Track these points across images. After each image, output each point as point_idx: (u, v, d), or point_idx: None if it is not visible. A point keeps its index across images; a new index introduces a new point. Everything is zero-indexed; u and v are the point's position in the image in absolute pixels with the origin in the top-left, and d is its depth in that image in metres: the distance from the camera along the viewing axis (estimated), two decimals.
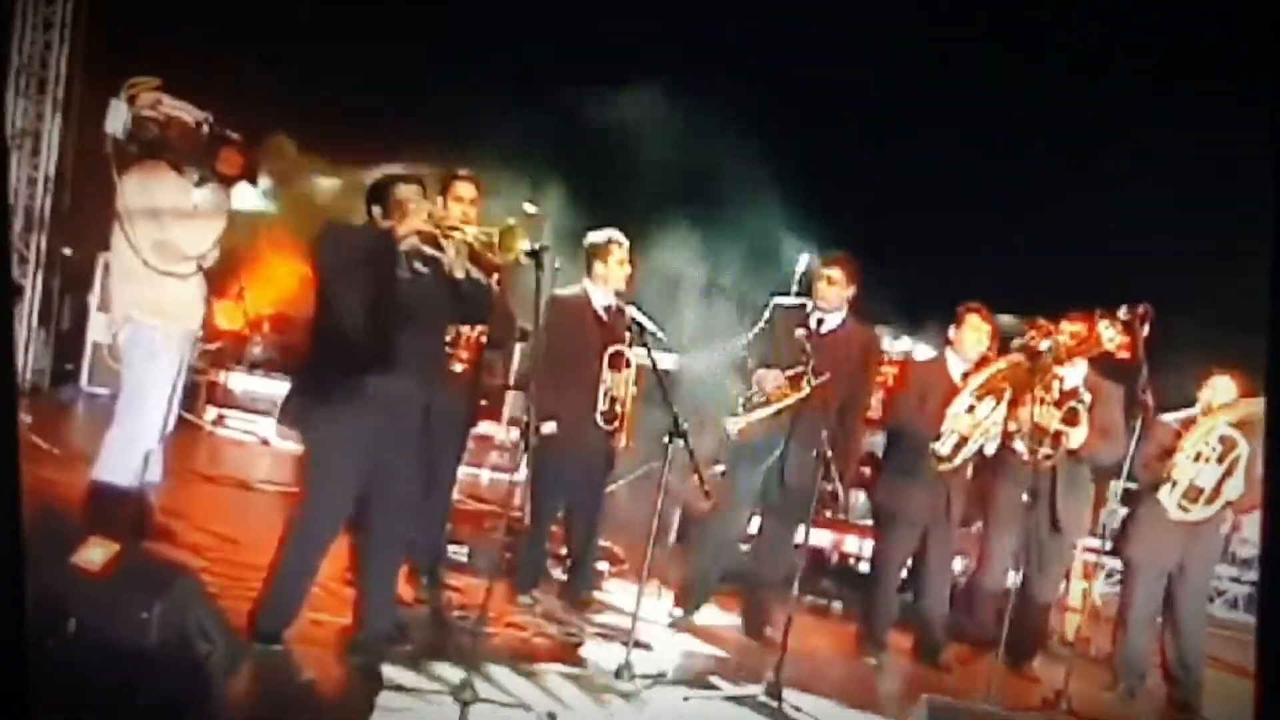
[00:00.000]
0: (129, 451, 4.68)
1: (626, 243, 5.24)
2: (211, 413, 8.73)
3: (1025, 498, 5.53)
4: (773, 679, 4.39)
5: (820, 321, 5.42)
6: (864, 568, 6.99)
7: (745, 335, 5.86)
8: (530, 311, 3.86)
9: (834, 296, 5.36)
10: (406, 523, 4.10)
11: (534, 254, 3.63)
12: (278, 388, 9.12)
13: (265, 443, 8.63)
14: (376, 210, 3.98)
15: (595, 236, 5.27)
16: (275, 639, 3.83)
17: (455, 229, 3.83)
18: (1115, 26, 8.06)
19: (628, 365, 5.24)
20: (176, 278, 4.79)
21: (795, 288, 6.68)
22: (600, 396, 5.18)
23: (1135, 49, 7.93)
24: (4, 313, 2.20)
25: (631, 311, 4.77)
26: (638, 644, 4.52)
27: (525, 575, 5.25)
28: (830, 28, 8.66)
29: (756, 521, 5.72)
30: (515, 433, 9.44)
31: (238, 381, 9.05)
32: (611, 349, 5.19)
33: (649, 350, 4.65)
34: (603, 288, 5.26)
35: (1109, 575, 7.00)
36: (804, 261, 7.57)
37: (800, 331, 5.04)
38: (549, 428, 5.05)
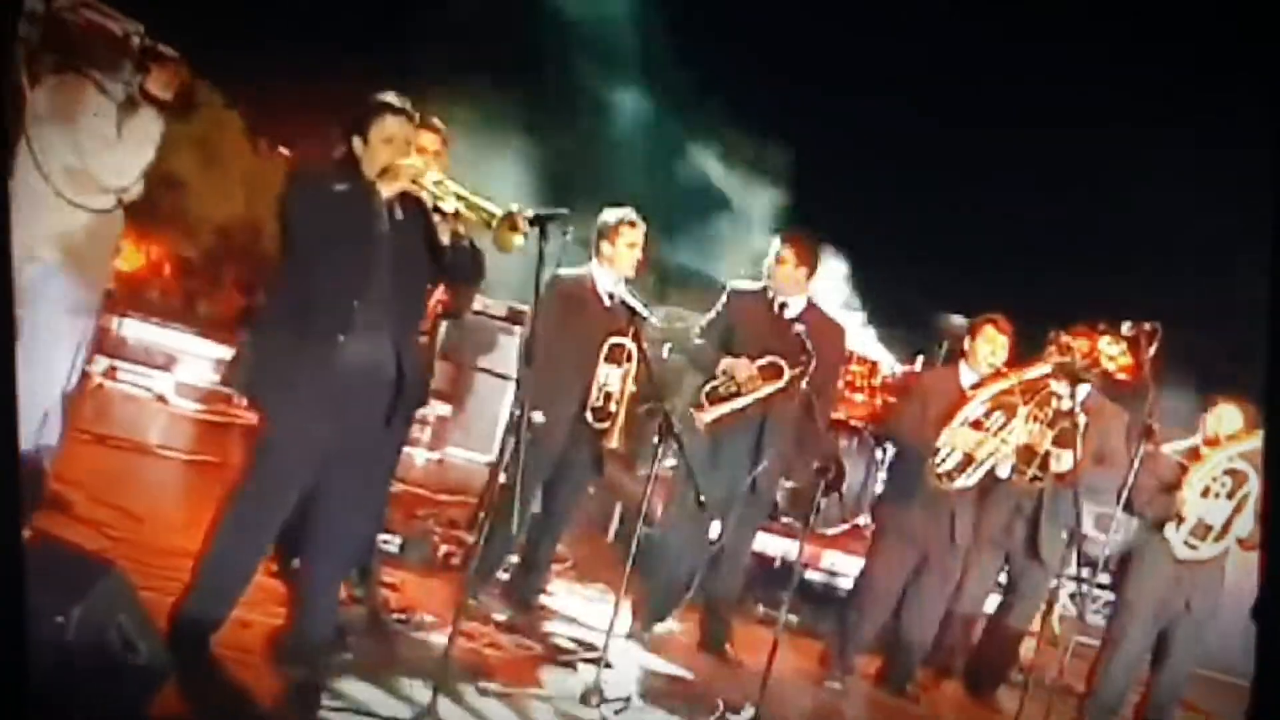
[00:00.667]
0: (27, 409, 4.18)
1: (641, 224, 4.90)
2: (101, 363, 8.10)
3: (1006, 521, 5.47)
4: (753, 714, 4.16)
5: (784, 306, 5.20)
6: (814, 578, 6.87)
7: (699, 321, 5.61)
8: (527, 287, 3.55)
9: (786, 277, 5.15)
10: (365, 513, 3.78)
11: (539, 221, 3.29)
12: (176, 339, 8.57)
13: (161, 400, 8.06)
14: (357, 142, 3.59)
15: (607, 215, 4.91)
16: (201, 643, 3.45)
17: (446, 199, 3.47)
18: (1122, 34, 8.05)
19: (628, 359, 4.89)
20: (92, 212, 4.31)
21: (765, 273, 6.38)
22: (594, 391, 4.84)
23: (1143, 57, 7.93)
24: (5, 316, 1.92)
25: (620, 293, 4.42)
26: (601, 663, 4.25)
27: (481, 576, 4.93)
28: (837, 25, 8.50)
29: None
30: (440, 408, 9.04)
31: (132, 329, 8.41)
32: (612, 340, 4.85)
33: (639, 339, 4.31)
34: (610, 271, 4.92)
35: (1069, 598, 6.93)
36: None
37: (799, 328, 4.80)
38: (538, 417, 4.74)
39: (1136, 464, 4.79)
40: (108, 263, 4.44)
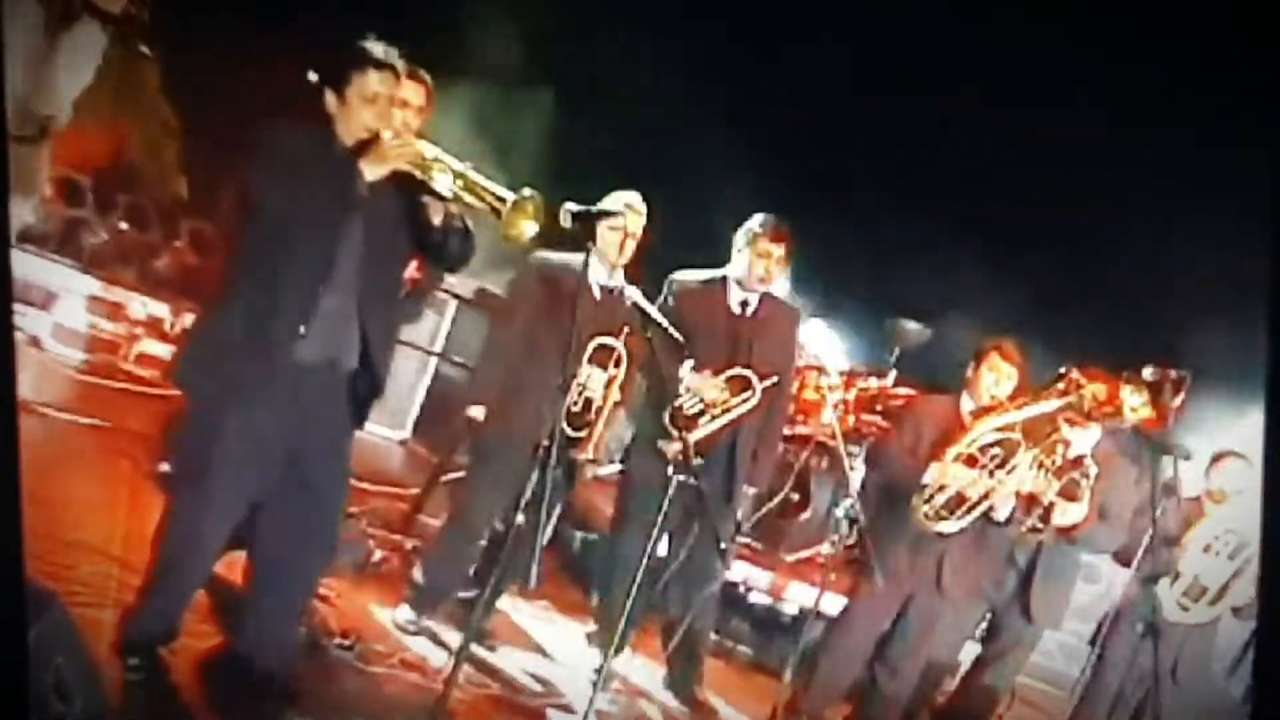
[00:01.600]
0: None
1: (640, 212, 4.56)
2: None
3: (997, 572, 5.34)
4: None
5: (744, 303, 5.01)
6: (759, 600, 6.75)
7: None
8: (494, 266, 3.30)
9: (760, 270, 4.93)
10: (332, 516, 3.58)
11: (584, 217, 3.02)
12: (56, 274, 7.96)
13: (36, 343, 7.45)
14: (330, 98, 3.29)
15: (609, 201, 4.58)
16: (151, 656, 3.27)
17: (444, 181, 3.19)
18: (1122, 34, 8.09)
19: (616, 364, 4.59)
20: (13, 140, 3.89)
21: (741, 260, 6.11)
22: (572, 395, 4.49)
23: (1143, 57, 7.98)
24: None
25: (631, 293, 4.12)
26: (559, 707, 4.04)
27: (433, 592, 4.63)
28: (828, 21, 8.38)
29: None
30: None
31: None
32: (600, 340, 4.52)
33: (651, 344, 4.01)
34: (604, 261, 4.54)
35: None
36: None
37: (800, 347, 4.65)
38: (477, 411, 4.51)
39: (1155, 524, 4.67)
40: (31, 200, 4.01)
